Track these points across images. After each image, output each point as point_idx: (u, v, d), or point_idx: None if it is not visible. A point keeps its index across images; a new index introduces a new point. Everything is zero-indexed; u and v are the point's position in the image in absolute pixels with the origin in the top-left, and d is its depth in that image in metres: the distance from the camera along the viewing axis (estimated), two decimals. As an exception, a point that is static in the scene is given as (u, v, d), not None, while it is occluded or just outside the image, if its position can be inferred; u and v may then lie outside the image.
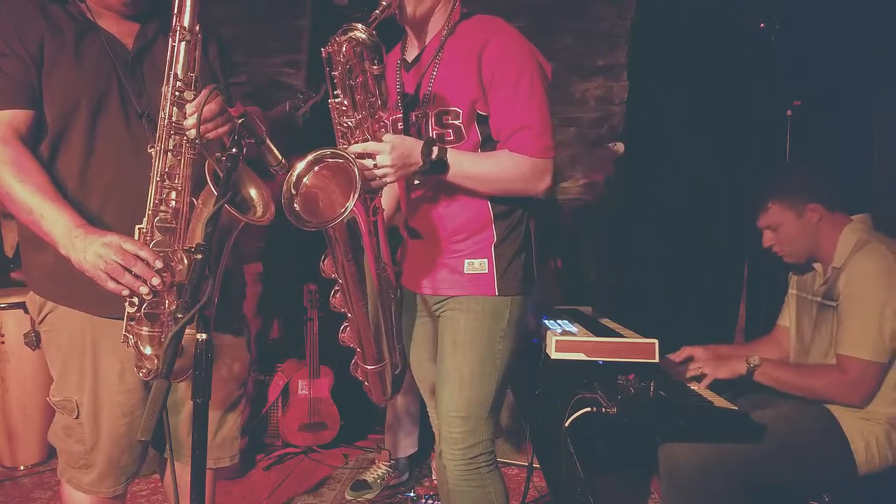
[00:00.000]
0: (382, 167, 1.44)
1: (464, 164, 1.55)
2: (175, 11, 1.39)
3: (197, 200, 1.41)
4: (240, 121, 1.29)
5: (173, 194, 1.41)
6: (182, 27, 1.38)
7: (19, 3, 1.46)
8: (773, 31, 2.86)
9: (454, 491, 1.66)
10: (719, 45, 3.20)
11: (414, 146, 1.50)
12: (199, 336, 1.10)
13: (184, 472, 1.32)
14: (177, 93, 1.39)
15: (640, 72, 3.35)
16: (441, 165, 1.52)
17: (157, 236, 1.40)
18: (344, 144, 1.48)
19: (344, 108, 1.45)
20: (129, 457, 1.59)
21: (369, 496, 2.76)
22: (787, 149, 2.81)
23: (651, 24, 3.33)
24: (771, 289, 2.76)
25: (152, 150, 1.40)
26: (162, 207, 1.41)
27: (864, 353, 1.78)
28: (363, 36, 1.35)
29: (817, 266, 2.03)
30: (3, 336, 2.92)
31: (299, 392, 3.19)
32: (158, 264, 1.36)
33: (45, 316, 1.55)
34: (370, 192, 1.48)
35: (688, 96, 3.25)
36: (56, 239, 1.38)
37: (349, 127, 1.47)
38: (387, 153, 1.44)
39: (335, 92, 1.44)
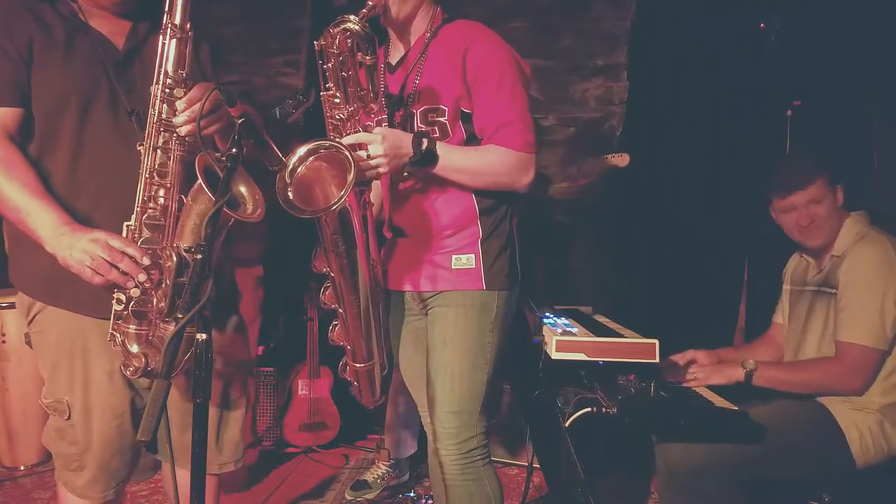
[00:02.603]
0: (376, 157, 1.46)
1: (453, 157, 1.58)
2: (166, 9, 1.39)
3: (186, 197, 1.40)
4: (240, 121, 1.29)
5: (162, 191, 1.41)
6: (173, 25, 1.38)
7: (6, 2, 1.45)
8: (773, 30, 2.86)
9: (451, 486, 1.68)
10: (719, 45, 3.20)
11: (405, 137, 1.53)
12: (199, 336, 1.09)
13: (183, 475, 1.32)
14: (167, 90, 1.39)
15: (640, 72, 3.35)
16: (431, 157, 1.55)
17: (146, 233, 1.40)
18: (336, 137, 1.49)
19: (336, 100, 1.47)
20: (119, 461, 1.57)
21: (369, 496, 2.76)
22: (787, 149, 2.81)
23: (651, 24, 3.33)
24: (771, 289, 2.76)
25: (141, 147, 1.40)
26: (150, 204, 1.40)
27: (865, 340, 1.78)
28: (356, 27, 1.37)
29: (807, 257, 2.04)
30: (3, 336, 2.92)
31: (299, 392, 3.20)
32: (146, 261, 1.36)
33: (34, 317, 1.53)
34: (363, 184, 1.49)
35: (687, 96, 3.25)
36: (42, 236, 1.37)
37: (341, 119, 1.48)
38: (379, 143, 1.46)
39: (327, 85, 1.46)
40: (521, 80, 1.62)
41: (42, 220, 1.37)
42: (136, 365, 1.40)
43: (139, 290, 1.37)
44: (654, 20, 3.32)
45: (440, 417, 1.64)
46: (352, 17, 1.37)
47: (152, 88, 1.40)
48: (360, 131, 1.49)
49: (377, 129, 1.49)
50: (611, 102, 3.40)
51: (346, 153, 1.32)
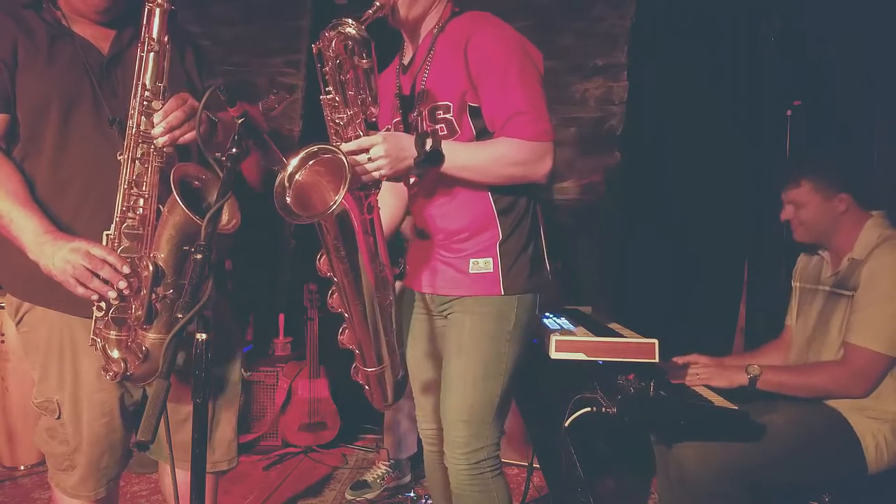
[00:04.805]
0: (377, 159, 1.43)
1: (459, 154, 1.54)
2: (144, 22, 1.41)
3: (163, 208, 1.42)
4: (240, 121, 1.29)
5: (141, 201, 1.43)
6: (150, 38, 1.40)
7: None
8: (773, 30, 2.86)
9: (457, 494, 1.66)
10: (719, 45, 3.20)
11: (407, 139, 1.50)
12: (198, 336, 1.09)
13: (178, 474, 1.33)
14: (144, 102, 1.41)
15: (640, 72, 3.35)
16: (436, 156, 1.51)
17: (125, 242, 1.43)
18: (336, 141, 1.47)
19: (336, 104, 1.45)
20: (109, 458, 1.58)
21: (369, 496, 2.77)
22: (787, 149, 2.81)
23: (651, 24, 3.33)
24: (771, 289, 2.76)
25: (121, 157, 1.42)
26: (129, 214, 1.43)
27: (877, 345, 1.77)
28: (352, 31, 1.35)
29: (825, 255, 2.01)
30: (3, 335, 2.92)
31: (299, 392, 3.20)
32: (126, 269, 1.39)
33: (23, 317, 1.56)
34: (363, 189, 1.46)
35: (687, 96, 3.25)
36: (25, 244, 1.40)
37: (341, 124, 1.46)
38: (380, 144, 1.43)
39: (327, 88, 1.44)
40: (529, 66, 1.56)
41: (24, 228, 1.40)
42: (116, 370, 1.42)
43: (119, 297, 1.40)
44: (654, 20, 3.33)
45: (450, 425, 1.62)
46: (348, 19, 1.35)
47: (131, 101, 1.42)
48: (360, 135, 1.46)
49: (378, 133, 1.46)
50: (611, 102, 3.40)
51: (342, 157, 1.30)
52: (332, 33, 1.36)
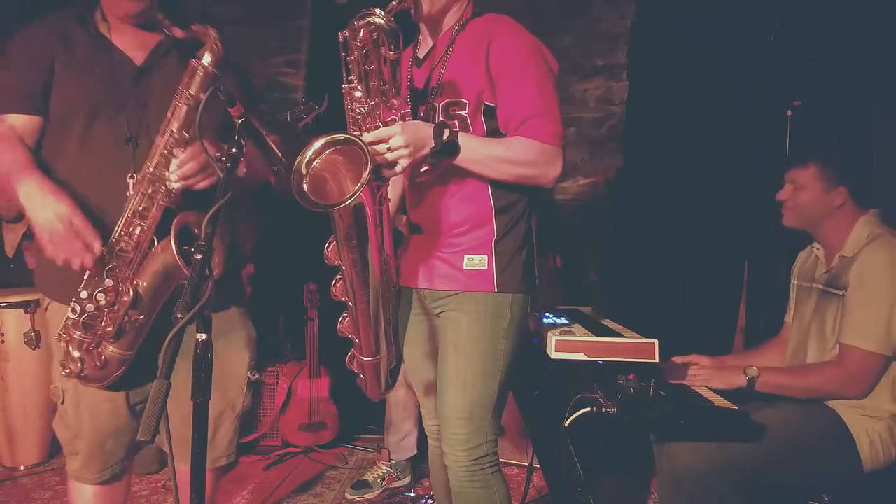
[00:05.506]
0: (397, 148, 1.43)
1: (475, 147, 1.55)
2: (187, 76, 1.48)
3: (158, 242, 1.48)
4: (240, 121, 1.29)
5: (139, 229, 1.50)
6: (188, 93, 1.47)
7: (37, 23, 1.58)
8: (773, 30, 2.86)
9: (458, 493, 1.66)
10: (719, 45, 3.20)
11: (425, 127, 1.50)
12: (198, 336, 1.09)
13: (180, 467, 1.34)
14: (167, 148, 1.48)
15: (640, 72, 3.35)
16: (452, 147, 1.52)
17: (114, 261, 1.48)
18: (355, 131, 1.47)
19: (357, 94, 1.45)
20: (114, 442, 1.63)
21: (369, 496, 2.77)
22: (787, 149, 2.81)
23: (651, 24, 3.33)
24: (771, 289, 2.76)
25: (131, 179, 1.49)
26: (125, 238, 1.49)
27: (870, 345, 1.77)
28: (381, 21, 1.36)
29: (819, 252, 2.02)
30: (3, 335, 2.92)
31: (299, 392, 3.20)
32: (97, 246, 1.44)
33: (47, 307, 1.66)
34: (380, 180, 1.46)
35: (687, 96, 3.25)
36: (17, 184, 1.44)
37: (361, 113, 1.46)
38: (399, 134, 1.43)
39: (349, 77, 1.44)
40: (547, 73, 1.61)
41: (25, 180, 1.45)
42: (72, 367, 1.50)
43: (93, 307, 1.46)
44: (654, 20, 3.33)
45: (450, 423, 1.62)
46: (377, 10, 1.36)
47: (157, 139, 1.48)
48: (380, 126, 1.46)
49: (396, 123, 1.46)
50: (611, 102, 3.40)
51: (363, 147, 1.30)
52: (361, 23, 1.37)
